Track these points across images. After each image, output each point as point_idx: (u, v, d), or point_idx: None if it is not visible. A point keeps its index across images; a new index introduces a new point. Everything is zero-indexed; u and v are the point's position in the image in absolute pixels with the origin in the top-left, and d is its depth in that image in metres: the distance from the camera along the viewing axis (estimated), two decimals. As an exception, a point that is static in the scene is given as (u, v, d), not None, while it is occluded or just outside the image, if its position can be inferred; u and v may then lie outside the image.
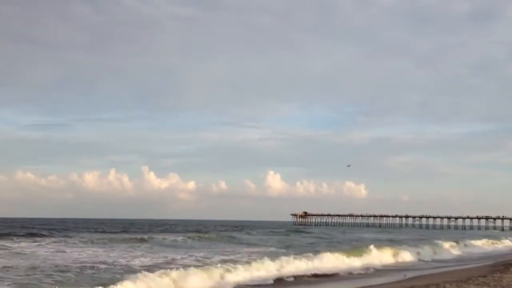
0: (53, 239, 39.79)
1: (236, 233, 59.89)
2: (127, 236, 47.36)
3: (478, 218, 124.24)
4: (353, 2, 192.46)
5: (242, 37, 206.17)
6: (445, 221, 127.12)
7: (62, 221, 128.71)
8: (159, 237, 45.51)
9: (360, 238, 54.91)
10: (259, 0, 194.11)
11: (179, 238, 44.27)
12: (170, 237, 44.75)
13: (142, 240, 39.85)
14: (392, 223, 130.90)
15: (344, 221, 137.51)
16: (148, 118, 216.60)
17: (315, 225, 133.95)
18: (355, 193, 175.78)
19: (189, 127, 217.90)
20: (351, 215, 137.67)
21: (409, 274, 22.70)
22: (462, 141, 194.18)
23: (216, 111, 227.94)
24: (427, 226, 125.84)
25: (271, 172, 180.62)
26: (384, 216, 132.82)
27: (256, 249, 33.69)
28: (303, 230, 79.27)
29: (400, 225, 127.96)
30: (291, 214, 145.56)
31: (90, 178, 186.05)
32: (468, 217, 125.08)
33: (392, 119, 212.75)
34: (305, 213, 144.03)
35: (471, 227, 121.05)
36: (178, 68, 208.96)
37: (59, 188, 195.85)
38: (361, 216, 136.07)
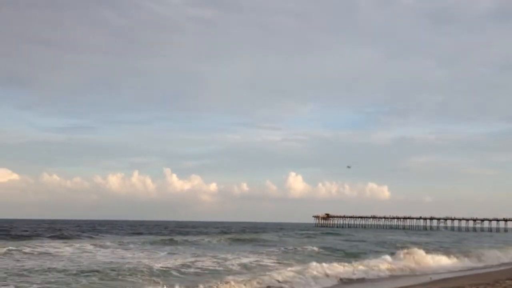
0: (81, 240, 40.34)
1: (266, 234, 58.85)
2: (151, 237, 47.54)
3: (505, 220, 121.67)
4: (372, 2, 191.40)
5: (262, 38, 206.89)
6: (471, 223, 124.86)
7: (87, 222, 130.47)
8: (189, 238, 44.54)
9: (397, 241, 53.11)
10: (278, 2, 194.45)
11: (214, 240, 42.35)
12: (203, 238, 43.41)
13: (171, 242, 39.60)
14: (416, 225, 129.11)
15: (367, 223, 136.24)
16: (170, 120, 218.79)
17: (337, 226, 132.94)
18: (378, 195, 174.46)
19: (211, 128, 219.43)
20: (374, 217, 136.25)
21: (435, 277, 22.38)
22: (486, 141, 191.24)
23: (237, 113, 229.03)
24: (452, 228, 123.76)
25: (293, 174, 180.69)
26: (408, 218, 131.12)
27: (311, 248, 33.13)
28: (331, 232, 77.62)
29: (424, 227, 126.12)
30: (313, 216, 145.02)
31: (114, 180, 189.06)
32: (495, 219, 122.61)
33: (414, 119, 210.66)
34: (327, 214, 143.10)
35: (497, 229, 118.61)
36: (199, 70, 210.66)
37: (84, 190, 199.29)
38: (384, 218, 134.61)
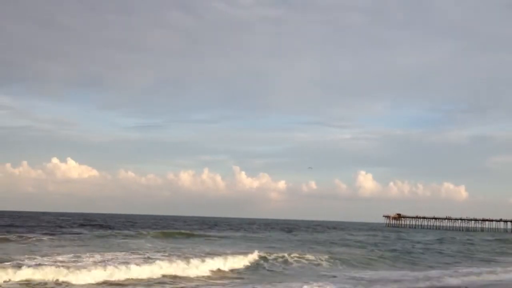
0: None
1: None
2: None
3: None
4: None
5: (332, 36, 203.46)
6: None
7: (164, 217, 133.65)
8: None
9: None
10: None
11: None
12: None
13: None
14: (495, 228, 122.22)
15: (441, 224, 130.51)
16: (239, 119, 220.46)
17: (410, 227, 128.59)
18: (454, 195, 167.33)
19: (279, 127, 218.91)
20: (448, 218, 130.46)
21: None
22: None
23: (306, 111, 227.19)
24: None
25: (363, 172, 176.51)
26: (487, 220, 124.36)
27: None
28: (435, 236, 71.31)
29: (505, 230, 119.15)
30: (383, 216, 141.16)
31: (185, 177, 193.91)
32: None
33: (495, 116, 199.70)
34: (399, 215, 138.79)
35: None
36: (268, 68, 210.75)
37: (157, 186, 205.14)
38: (461, 219, 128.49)
